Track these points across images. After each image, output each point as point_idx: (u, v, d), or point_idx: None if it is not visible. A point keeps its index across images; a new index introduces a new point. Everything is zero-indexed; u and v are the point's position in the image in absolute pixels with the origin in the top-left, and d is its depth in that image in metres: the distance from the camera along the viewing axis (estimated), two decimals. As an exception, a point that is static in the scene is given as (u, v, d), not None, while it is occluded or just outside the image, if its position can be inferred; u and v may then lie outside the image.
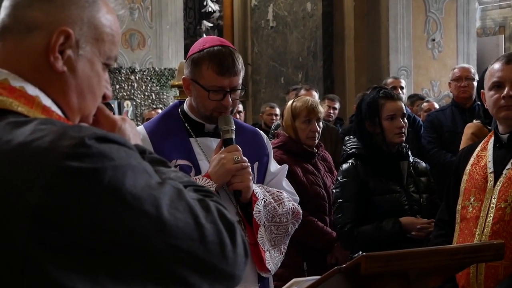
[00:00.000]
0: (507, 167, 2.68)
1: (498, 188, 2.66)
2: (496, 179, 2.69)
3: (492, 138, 2.81)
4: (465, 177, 2.80)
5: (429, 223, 3.42)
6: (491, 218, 2.63)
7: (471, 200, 2.74)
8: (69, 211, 1.02)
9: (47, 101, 1.20)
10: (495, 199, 2.65)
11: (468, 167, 2.81)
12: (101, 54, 1.27)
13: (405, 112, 3.63)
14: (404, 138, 3.59)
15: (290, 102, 4.22)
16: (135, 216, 1.05)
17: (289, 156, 4.01)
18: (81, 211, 1.02)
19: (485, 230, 2.64)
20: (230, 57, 2.48)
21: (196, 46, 2.56)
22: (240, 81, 2.53)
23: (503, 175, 2.67)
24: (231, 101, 2.50)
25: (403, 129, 3.55)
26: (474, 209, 2.71)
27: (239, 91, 2.55)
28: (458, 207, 2.79)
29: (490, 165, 2.74)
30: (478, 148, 2.85)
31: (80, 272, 1.02)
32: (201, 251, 1.11)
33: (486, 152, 2.79)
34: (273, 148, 3.97)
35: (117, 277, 1.05)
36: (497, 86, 2.72)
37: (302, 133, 4.06)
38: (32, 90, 1.19)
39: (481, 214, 2.67)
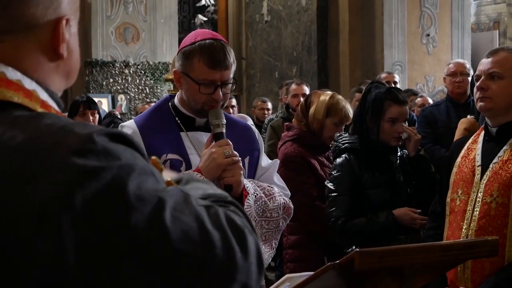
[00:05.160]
0: (494, 161, 2.67)
1: (484, 182, 2.65)
2: (483, 173, 2.68)
3: (483, 132, 2.81)
4: (454, 170, 2.80)
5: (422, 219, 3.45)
6: (477, 212, 2.63)
7: (459, 193, 2.74)
8: (72, 209, 0.98)
9: (43, 95, 1.17)
10: (481, 193, 2.64)
11: (459, 159, 2.81)
12: (77, 21, 1.25)
13: (408, 116, 3.66)
14: (400, 143, 3.63)
15: (326, 97, 4.11)
16: (138, 218, 1.01)
17: (305, 149, 4.03)
18: (84, 210, 0.99)
19: (471, 224, 2.64)
20: (222, 50, 2.45)
21: (187, 39, 2.54)
22: (232, 75, 2.51)
23: (490, 169, 2.66)
24: (222, 95, 2.48)
25: (401, 134, 3.58)
26: (461, 203, 2.71)
27: (230, 85, 2.52)
28: (448, 199, 2.79)
29: (478, 158, 2.73)
30: (470, 141, 2.84)
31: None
32: (206, 257, 1.05)
33: (476, 145, 2.78)
34: (287, 141, 4.01)
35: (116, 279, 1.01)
36: (477, 79, 2.74)
37: (328, 131, 4.04)
38: (29, 84, 1.16)
39: (468, 208, 2.67)
